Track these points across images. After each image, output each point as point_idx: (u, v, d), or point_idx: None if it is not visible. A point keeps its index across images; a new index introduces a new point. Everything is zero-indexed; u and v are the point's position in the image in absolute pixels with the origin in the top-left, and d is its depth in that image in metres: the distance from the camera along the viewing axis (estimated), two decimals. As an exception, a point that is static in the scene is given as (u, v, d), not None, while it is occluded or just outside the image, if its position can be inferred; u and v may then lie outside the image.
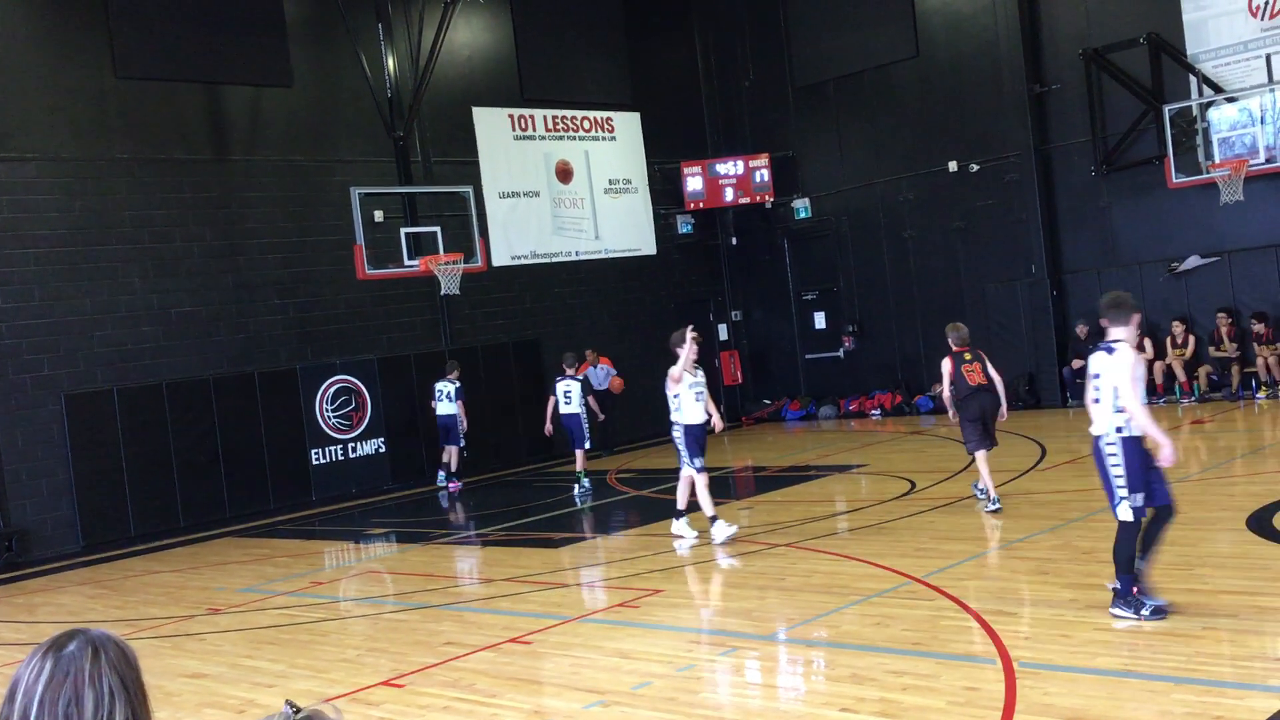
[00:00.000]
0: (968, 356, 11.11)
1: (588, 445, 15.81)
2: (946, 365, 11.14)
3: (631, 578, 9.47)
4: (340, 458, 17.48)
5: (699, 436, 10.69)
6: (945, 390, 11.21)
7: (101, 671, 1.95)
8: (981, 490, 10.85)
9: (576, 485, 15.25)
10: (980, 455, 10.72)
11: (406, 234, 17.16)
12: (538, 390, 19.52)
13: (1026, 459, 13.55)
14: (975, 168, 19.97)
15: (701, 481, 10.48)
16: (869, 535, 10.21)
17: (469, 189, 18.20)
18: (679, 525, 10.72)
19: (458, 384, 16.85)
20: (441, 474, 17.42)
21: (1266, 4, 17.04)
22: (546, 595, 9.25)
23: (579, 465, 15.49)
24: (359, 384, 17.75)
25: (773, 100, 22.52)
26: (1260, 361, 16.85)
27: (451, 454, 17.19)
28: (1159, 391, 17.72)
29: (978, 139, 19.89)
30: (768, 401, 22.78)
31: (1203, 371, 17.55)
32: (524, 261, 19.99)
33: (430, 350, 18.63)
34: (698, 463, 10.54)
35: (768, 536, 10.62)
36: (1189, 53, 17.70)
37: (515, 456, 19.20)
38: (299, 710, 1.80)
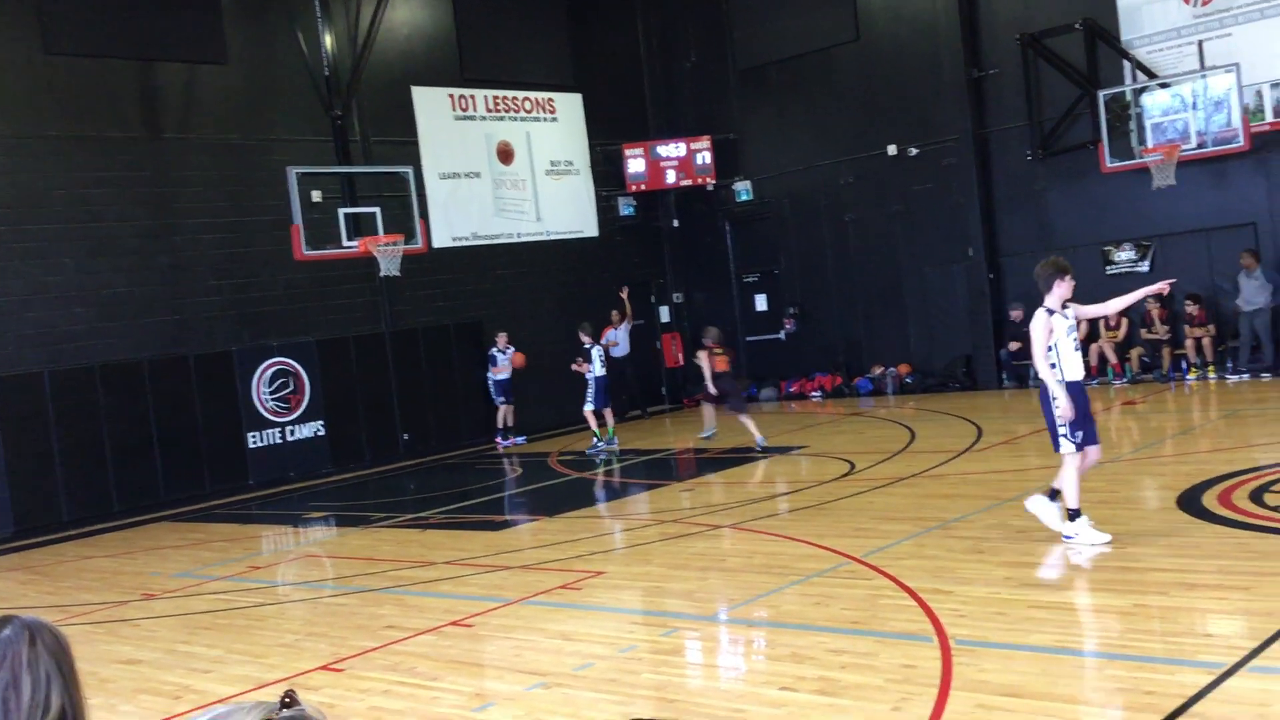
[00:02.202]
0: (718, 351, 14.86)
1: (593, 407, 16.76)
2: (704, 358, 14.95)
3: (573, 560, 9.47)
4: (278, 441, 17.28)
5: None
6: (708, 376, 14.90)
7: (38, 656, 1.91)
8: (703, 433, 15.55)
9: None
10: (745, 418, 14.78)
11: (345, 214, 16.96)
12: (479, 372, 19.48)
13: (963, 439, 13.73)
14: (914, 151, 20.14)
15: None
16: (809, 516, 10.29)
17: (409, 169, 18.03)
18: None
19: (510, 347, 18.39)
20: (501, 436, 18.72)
21: (1198, -8, 17.32)
22: (488, 578, 9.23)
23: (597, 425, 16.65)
24: (297, 366, 17.53)
25: (715, 82, 22.54)
26: (1190, 343, 17.21)
27: (508, 412, 18.79)
28: (1093, 373, 18.03)
29: (917, 123, 20.05)
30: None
31: (1135, 354, 17.89)
32: (465, 243, 19.85)
33: (370, 332, 18.46)
34: None
35: (709, 518, 10.67)
36: (1123, 39, 17.97)
37: (457, 438, 19.10)
38: (289, 704, 1.75)
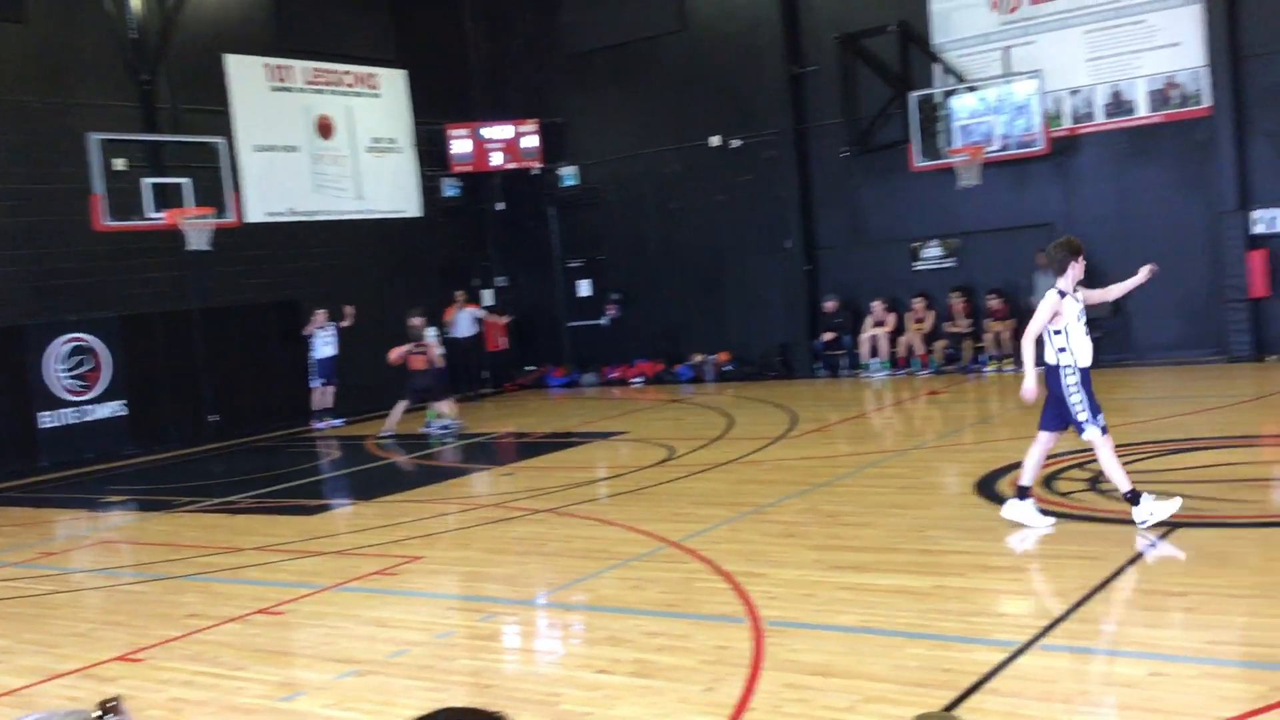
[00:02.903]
0: (416, 349, 16.15)
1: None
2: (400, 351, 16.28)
3: (389, 545, 9.31)
4: (74, 421, 16.40)
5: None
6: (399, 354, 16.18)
7: None
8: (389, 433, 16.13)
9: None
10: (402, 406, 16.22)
11: (151, 185, 16.21)
12: (295, 352, 18.93)
13: (778, 426, 14.08)
14: (737, 143, 20.50)
15: None
16: (628, 500, 10.38)
17: (221, 140, 17.35)
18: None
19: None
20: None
21: None
22: (300, 564, 8.98)
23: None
24: (96, 342, 16.67)
25: (543, 66, 22.43)
26: (990, 336, 18.08)
27: (328, 393, 18.48)
28: (900, 364, 18.77)
29: (740, 115, 20.42)
30: (531, 368, 22.81)
31: (939, 346, 18.68)
32: (282, 219, 19.22)
33: (177, 308, 17.68)
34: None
35: (529, 502, 10.64)
36: (935, 42, 18.70)
37: (269, 421, 18.51)
38: (109, 710, 1.63)
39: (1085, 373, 7.74)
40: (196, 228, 16.27)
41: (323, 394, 18.47)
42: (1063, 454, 10.65)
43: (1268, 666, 5.18)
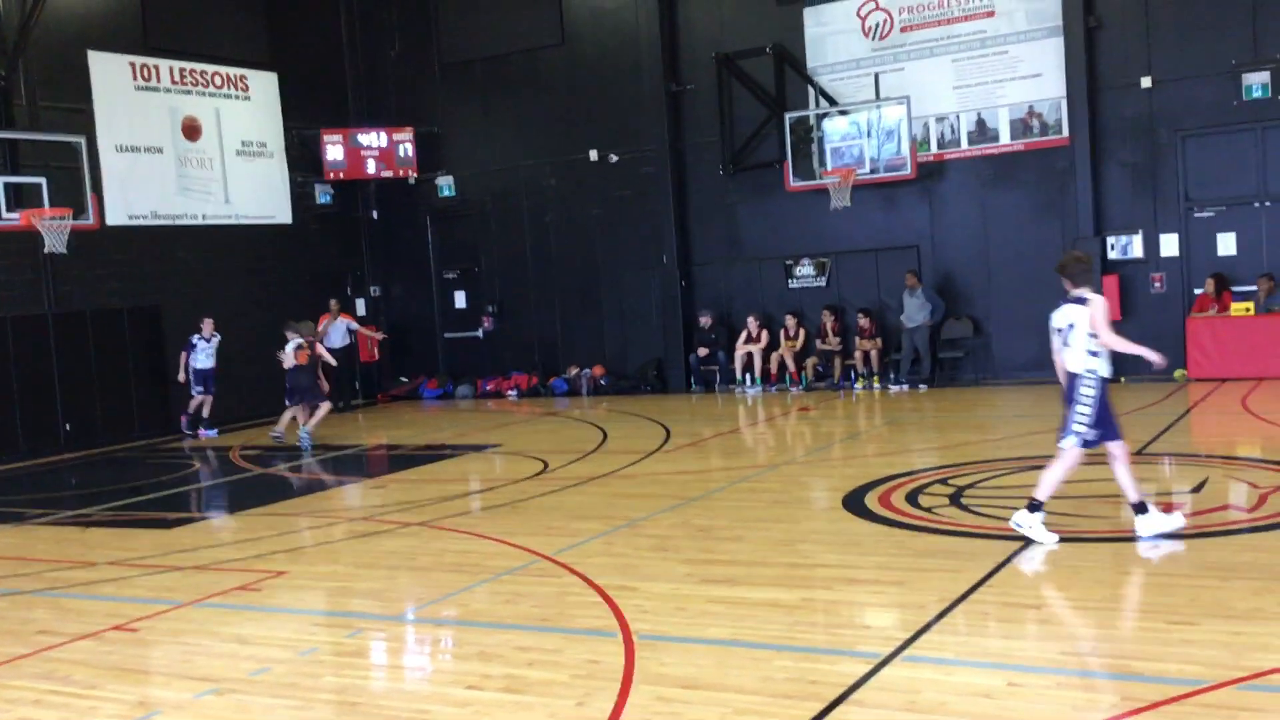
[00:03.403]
0: (304, 345, 15.69)
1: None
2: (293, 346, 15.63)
3: (253, 559, 9.06)
4: (-84, 429, 15.59)
5: None
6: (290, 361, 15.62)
7: None
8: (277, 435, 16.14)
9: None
10: (295, 410, 15.85)
11: (5, 184, 15.55)
12: (155, 360, 18.35)
13: (653, 441, 14.16)
14: (615, 158, 20.61)
15: None
16: (502, 514, 10.31)
17: (81, 139, 16.74)
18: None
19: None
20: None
21: (877, 26, 18.67)
22: (157, 579, 8.68)
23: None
24: (-57, 347, 15.87)
25: (419, 74, 22.21)
26: (859, 354, 18.50)
27: (204, 403, 18.02)
28: (772, 380, 19.06)
29: (618, 130, 20.53)
30: (405, 379, 22.51)
31: (810, 363, 19.04)
32: (144, 222, 18.61)
33: (30, 313, 16.96)
34: None
35: (401, 515, 10.48)
36: (809, 65, 19.10)
37: (128, 430, 17.86)
38: None
39: (1105, 383, 7.84)
40: (53, 229, 15.65)
41: (202, 402, 17.88)
42: (926, 469, 10.94)
43: (1118, 677, 5.39)
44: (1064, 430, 7.88)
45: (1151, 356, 7.98)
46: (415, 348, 22.83)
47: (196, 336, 17.79)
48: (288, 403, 15.97)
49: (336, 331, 20.21)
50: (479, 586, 7.77)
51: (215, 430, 18.01)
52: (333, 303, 20.40)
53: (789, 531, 8.83)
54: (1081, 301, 7.85)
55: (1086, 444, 7.82)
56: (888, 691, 5.31)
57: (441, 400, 21.57)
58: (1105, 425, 7.83)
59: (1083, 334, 7.79)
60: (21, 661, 6.70)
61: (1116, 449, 7.85)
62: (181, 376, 17.79)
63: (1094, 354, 7.80)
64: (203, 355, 17.77)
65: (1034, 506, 7.81)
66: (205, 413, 17.95)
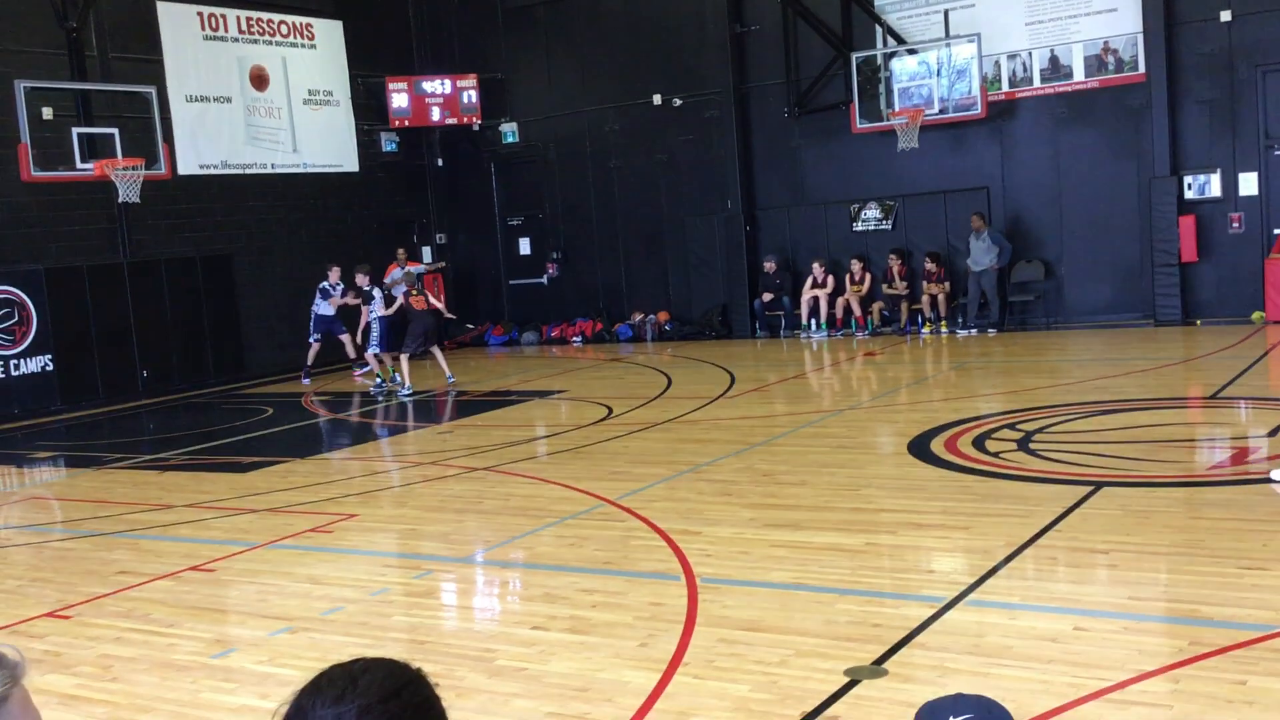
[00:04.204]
0: (414, 291, 15.59)
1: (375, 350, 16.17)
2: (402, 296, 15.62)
3: (325, 502, 9.25)
4: (0, 376, 16.05)
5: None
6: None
7: None
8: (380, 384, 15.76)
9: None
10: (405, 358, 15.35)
11: (79, 134, 15.81)
12: (228, 307, 18.66)
13: (717, 386, 14.15)
14: (678, 102, 20.43)
15: None
16: (566, 459, 10.40)
17: (152, 90, 16.94)
18: None
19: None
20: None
21: (945, -36, 18.20)
22: (232, 521, 8.90)
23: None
24: (23, 296, 16.27)
25: (482, 20, 22.13)
26: (926, 299, 18.27)
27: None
28: (838, 325, 18.92)
29: (681, 74, 20.33)
30: (471, 326, 22.69)
31: (876, 307, 18.85)
32: (214, 171, 18.85)
33: (106, 261, 17.31)
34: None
35: (467, 460, 10.62)
36: (877, 3, 18.71)
37: (202, 377, 18.25)
38: None
39: None
40: (126, 179, 15.91)
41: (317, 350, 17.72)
42: (993, 414, 10.83)
43: (1186, 621, 5.33)
44: None
45: None
46: (481, 294, 22.97)
47: (325, 284, 17.56)
48: (407, 349, 15.54)
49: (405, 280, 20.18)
50: (544, 530, 7.86)
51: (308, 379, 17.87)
52: (400, 251, 20.47)
53: (853, 477, 8.80)
54: None
55: None
56: (952, 635, 5.30)
57: (507, 347, 21.72)
58: None
59: None
60: (103, 600, 6.92)
61: None
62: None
63: None
64: (324, 304, 17.69)
65: None
66: (310, 359, 17.77)
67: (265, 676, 5.48)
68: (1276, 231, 16.44)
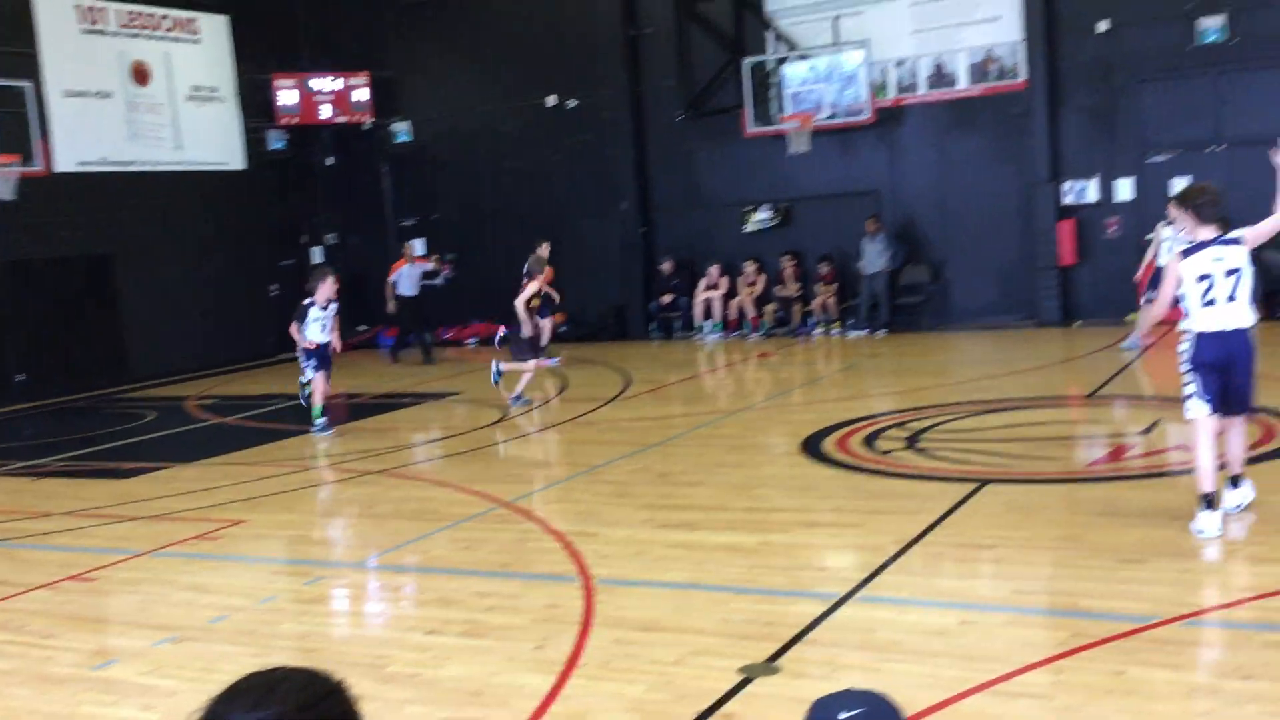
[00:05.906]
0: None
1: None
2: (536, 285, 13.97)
3: (211, 509, 9.02)
4: None
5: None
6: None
7: None
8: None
9: None
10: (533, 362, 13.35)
11: (-51, 129, 15.20)
12: (109, 309, 18.09)
13: (612, 388, 14.17)
14: (573, 103, 20.41)
15: None
16: (463, 462, 10.31)
17: (28, 84, 16.35)
18: None
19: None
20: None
21: (822, -30, 18.50)
22: (113, 529, 8.62)
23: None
24: (-112, 297, 15.57)
25: (374, 17, 21.80)
26: (818, 301, 18.55)
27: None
28: (732, 326, 19.10)
29: (577, 75, 20.31)
30: (363, 328, 22.33)
31: (769, 309, 19.07)
32: (95, 168, 18.25)
33: (-21, 262, 16.65)
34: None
35: (360, 464, 10.45)
36: (768, 9, 18.94)
37: (82, 381, 17.64)
38: None
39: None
40: (1, 176, 15.34)
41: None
42: (883, 414, 11.04)
43: (1068, 614, 5.50)
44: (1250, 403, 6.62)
45: None
46: (373, 296, 22.60)
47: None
48: (534, 358, 13.44)
49: (410, 277, 19.07)
50: (439, 533, 7.78)
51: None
52: (405, 247, 19.58)
53: (748, 476, 8.89)
54: (1238, 242, 6.40)
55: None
56: (843, 631, 5.39)
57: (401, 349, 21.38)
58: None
59: (1248, 280, 6.37)
60: (-24, 613, 6.64)
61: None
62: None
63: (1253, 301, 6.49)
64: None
65: (1207, 501, 6.45)
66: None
67: (148, 688, 5.32)
68: (1147, 238, 17.06)
